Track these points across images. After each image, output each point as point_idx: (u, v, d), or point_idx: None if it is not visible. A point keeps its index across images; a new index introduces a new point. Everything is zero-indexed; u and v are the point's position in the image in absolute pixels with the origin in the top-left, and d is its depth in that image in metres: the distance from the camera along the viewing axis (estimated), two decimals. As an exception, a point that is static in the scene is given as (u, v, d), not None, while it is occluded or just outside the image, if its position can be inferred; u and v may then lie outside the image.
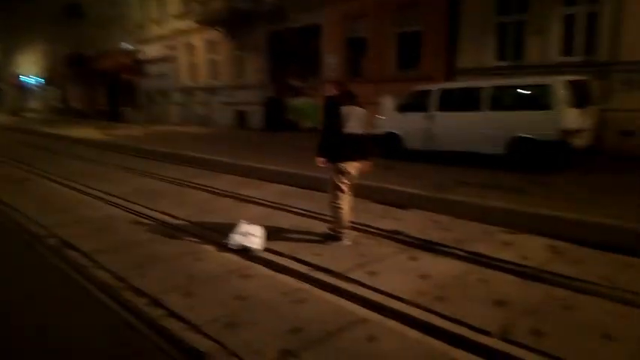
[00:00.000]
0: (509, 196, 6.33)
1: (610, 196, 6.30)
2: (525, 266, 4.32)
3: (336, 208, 5.05)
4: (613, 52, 9.59)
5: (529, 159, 8.09)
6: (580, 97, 8.16)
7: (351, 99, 4.96)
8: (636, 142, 9.20)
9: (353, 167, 5.01)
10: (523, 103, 8.45)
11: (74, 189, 8.60)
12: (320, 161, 5.05)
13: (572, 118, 7.82)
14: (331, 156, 4.98)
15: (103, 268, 4.60)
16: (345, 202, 5.06)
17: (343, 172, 4.98)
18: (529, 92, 8.51)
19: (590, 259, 4.47)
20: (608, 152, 9.46)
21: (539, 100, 8.12)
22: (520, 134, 8.13)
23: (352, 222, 5.31)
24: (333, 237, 5.12)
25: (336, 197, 5.04)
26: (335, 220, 5.10)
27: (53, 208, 7.11)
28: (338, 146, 4.92)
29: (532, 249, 4.76)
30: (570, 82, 7.97)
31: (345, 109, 4.85)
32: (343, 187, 5.02)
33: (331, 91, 5.04)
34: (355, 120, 4.90)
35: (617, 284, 3.87)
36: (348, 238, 5.09)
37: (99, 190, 8.26)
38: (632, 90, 9.38)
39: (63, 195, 8.25)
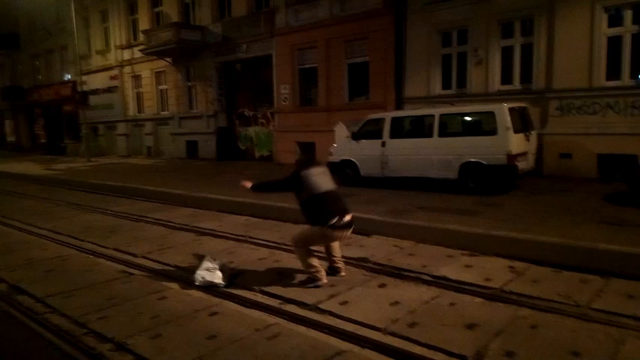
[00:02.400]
0: (466, 218, 6.58)
1: (558, 216, 6.68)
2: (489, 287, 4.48)
3: (299, 254, 4.79)
4: (547, 81, 10.36)
5: (479, 182, 8.48)
6: (522, 123, 8.72)
7: (307, 163, 4.93)
8: (574, 164, 9.89)
9: (341, 234, 4.71)
10: (471, 130, 8.90)
11: (18, 229, 8.09)
12: None
13: (516, 142, 8.31)
14: (309, 220, 4.73)
15: (59, 313, 4.32)
16: (313, 254, 4.78)
17: (328, 237, 4.71)
18: (476, 119, 8.99)
19: (548, 278, 4.69)
20: (548, 174, 10.10)
21: (486, 127, 8.58)
22: (470, 159, 8.52)
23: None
24: (310, 280, 4.76)
25: (297, 247, 4.77)
26: (302, 263, 4.80)
27: (-3, 251, 6.64)
28: (317, 209, 4.64)
29: (493, 270, 4.94)
30: (512, 108, 8.49)
31: (304, 172, 4.75)
32: (311, 245, 4.77)
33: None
34: (320, 177, 4.77)
35: (577, 301, 4.08)
36: (323, 275, 4.74)
37: (46, 229, 7.82)
38: (566, 115, 10.13)
39: (6, 235, 7.71)
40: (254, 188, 5.11)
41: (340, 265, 5.02)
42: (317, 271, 4.70)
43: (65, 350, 3.67)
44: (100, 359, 3.49)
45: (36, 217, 8.97)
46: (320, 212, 4.63)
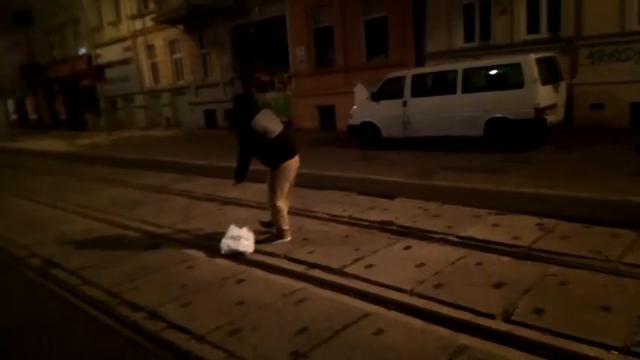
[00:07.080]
0: (492, 177, 6.43)
1: (588, 170, 6.45)
2: (517, 246, 4.40)
3: (277, 212, 5.07)
4: (577, 27, 9.80)
5: (506, 139, 8.22)
6: (550, 74, 8.34)
7: (249, 110, 5.00)
8: (605, 115, 9.49)
9: (296, 162, 5.10)
10: (496, 84, 8.55)
11: (47, 204, 8.29)
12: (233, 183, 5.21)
13: (544, 94, 7.98)
14: (271, 163, 5.01)
15: (93, 284, 4.45)
16: (284, 203, 5.13)
17: (290, 172, 5.04)
18: (501, 72, 8.62)
19: (578, 234, 4.58)
20: (578, 126, 9.73)
21: (512, 80, 8.24)
22: (496, 115, 8.25)
23: (337, 215, 5.75)
24: (275, 236, 5.21)
25: (277, 200, 5.04)
26: (277, 222, 5.14)
27: (29, 227, 6.84)
28: (274, 153, 4.95)
29: (521, 228, 4.84)
30: (539, 59, 8.11)
31: (258, 118, 4.86)
32: (284, 189, 5.06)
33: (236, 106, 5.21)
34: (270, 121, 4.96)
35: (607, 256, 3.98)
36: (289, 234, 5.19)
37: (74, 204, 7.99)
38: (597, 63, 9.65)
39: (37, 212, 7.93)
40: (237, 178, 5.18)
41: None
42: (288, 229, 5.17)
43: (101, 320, 3.79)
44: (135, 327, 3.60)
45: (63, 192, 9.17)
46: (279, 153, 4.96)
